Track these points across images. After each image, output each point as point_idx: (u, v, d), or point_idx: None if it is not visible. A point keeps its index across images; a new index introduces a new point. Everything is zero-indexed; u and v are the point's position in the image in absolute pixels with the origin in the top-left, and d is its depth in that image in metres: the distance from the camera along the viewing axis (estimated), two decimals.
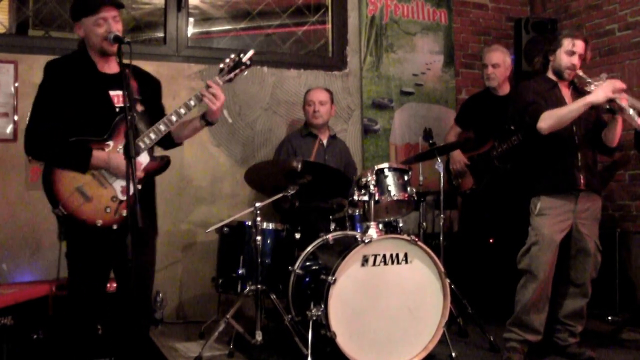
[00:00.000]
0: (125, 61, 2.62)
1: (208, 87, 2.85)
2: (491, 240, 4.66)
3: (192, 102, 2.84)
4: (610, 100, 3.27)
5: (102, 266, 2.78)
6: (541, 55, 3.63)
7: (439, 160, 4.00)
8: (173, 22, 4.71)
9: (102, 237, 2.70)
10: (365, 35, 5.28)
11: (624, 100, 3.26)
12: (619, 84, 3.26)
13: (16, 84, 4.24)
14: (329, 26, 5.30)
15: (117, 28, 2.72)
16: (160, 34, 4.77)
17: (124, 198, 2.67)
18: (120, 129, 2.72)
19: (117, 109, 2.75)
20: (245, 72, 3.01)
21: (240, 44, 5.08)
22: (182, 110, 2.82)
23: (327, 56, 5.30)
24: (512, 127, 4.08)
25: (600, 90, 3.25)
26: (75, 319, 2.79)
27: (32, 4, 4.57)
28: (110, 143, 2.72)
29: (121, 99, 2.75)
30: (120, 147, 2.71)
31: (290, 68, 5.04)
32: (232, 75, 2.94)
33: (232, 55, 2.95)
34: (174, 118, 2.79)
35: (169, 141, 3.01)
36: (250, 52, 2.97)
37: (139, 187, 2.66)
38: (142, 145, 2.73)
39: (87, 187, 2.67)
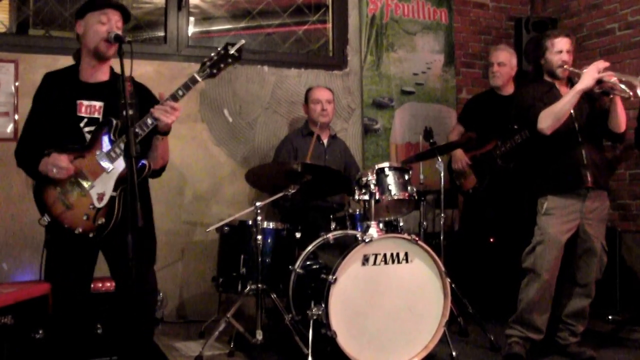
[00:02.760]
0: (126, 60, 2.61)
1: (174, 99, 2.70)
2: (492, 240, 4.66)
3: (180, 92, 2.68)
4: (599, 82, 3.28)
5: (80, 273, 2.80)
6: (533, 64, 3.66)
7: (440, 160, 3.99)
8: (173, 22, 4.71)
9: (79, 245, 2.72)
10: (366, 35, 5.28)
11: (610, 77, 3.28)
12: (602, 64, 3.29)
13: (16, 83, 4.23)
14: (329, 25, 5.30)
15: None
16: (161, 33, 4.77)
17: (100, 206, 2.68)
18: (100, 136, 2.72)
19: (86, 119, 2.76)
20: (235, 65, 2.81)
21: None
22: (149, 121, 2.69)
23: (327, 55, 5.30)
24: (515, 127, 4.09)
25: (587, 75, 3.29)
26: (63, 319, 2.81)
27: (32, 3, 4.56)
28: (88, 152, 2.72)
29: (95, 108, 2.77)
30: (98, 152, 2.70)
31: (290, 67, 5.04)
32: (214, 70, 2.73)
33: (219, 49, 2.74)
34: (148, 122, 2.68)
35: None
36: (239, 43, 2.75)
37: (115, 194, 2.67)
38: (119, 150, 2.70)
39: (67, 195, 2.70)
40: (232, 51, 2.72)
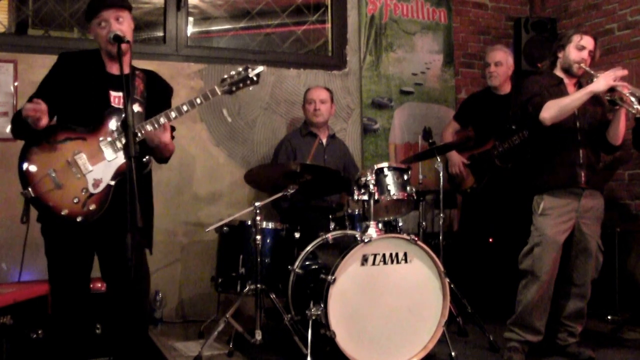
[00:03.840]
0: (134, 62, 2.64)
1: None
2: (491, 240, 4.66)
3: (198, 100, 2.81)
4: (612, 90, 3.27)
5: (79, 261, 2.78)
6: (550, 56, 3.62)
7: (439, 160, 4.00)
8: (172, 22, 4.71)
9: (69, 229, 2.68)
10: (365, 35, 5.28)
11: (625, 88, 3.26)
12: (620, 72, 3.26)
13: (16, 83, 4.23)
14: (328, 25, 5.30)
15: (120, 28, 2.71)
16: (160, 33, 4.77)
17: (95, 191, 2.67)
18: (106, 123, 2.73)
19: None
20: (250, 88, 2.95)
21: (239, 43, 5.08)
22: (185, 108, 2.78)
23: (326, 55, 5.30)
24: (514, 127, 4.08)
25: (602, 79, 3.25)
26: (62, 318, 2.79)
27: (31, 3, 4.56)
28: (90, 136, 2.71)
29: (119, 100, 2.77)
30: (102, 138, 2.71)
31: (289, 67, 5.04)
32: (233, 88, 2.89)
33: (240, 69, 2.90)
34: (173, 114, 2.75)
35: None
36: (260, 69, 2.93)
37: (112, 182, 2.69)
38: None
39: (59, 174, 2.64)
40: (251, 75, 2.90)
